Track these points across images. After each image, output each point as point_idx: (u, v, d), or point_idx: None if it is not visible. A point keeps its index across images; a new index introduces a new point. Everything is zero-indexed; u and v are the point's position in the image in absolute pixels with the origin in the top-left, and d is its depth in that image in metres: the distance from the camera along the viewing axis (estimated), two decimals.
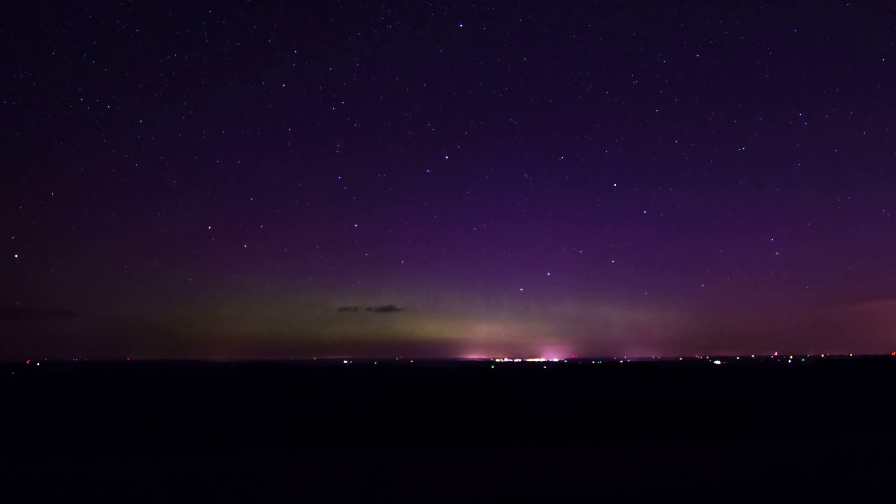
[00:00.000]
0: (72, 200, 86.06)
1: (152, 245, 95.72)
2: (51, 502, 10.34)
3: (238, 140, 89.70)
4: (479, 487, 10.99)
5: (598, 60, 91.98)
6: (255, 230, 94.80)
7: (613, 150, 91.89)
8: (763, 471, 12.21)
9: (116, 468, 13.29)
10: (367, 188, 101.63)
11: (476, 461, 13.98)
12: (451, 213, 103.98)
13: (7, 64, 69.59)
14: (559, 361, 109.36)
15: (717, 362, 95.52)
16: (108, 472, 12.77)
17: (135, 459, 14.41)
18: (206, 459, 14.57)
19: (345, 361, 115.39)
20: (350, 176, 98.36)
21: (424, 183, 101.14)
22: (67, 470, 13.08)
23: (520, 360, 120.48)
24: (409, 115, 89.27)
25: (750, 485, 10.88)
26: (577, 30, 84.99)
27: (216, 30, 75.19)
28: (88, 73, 73.17)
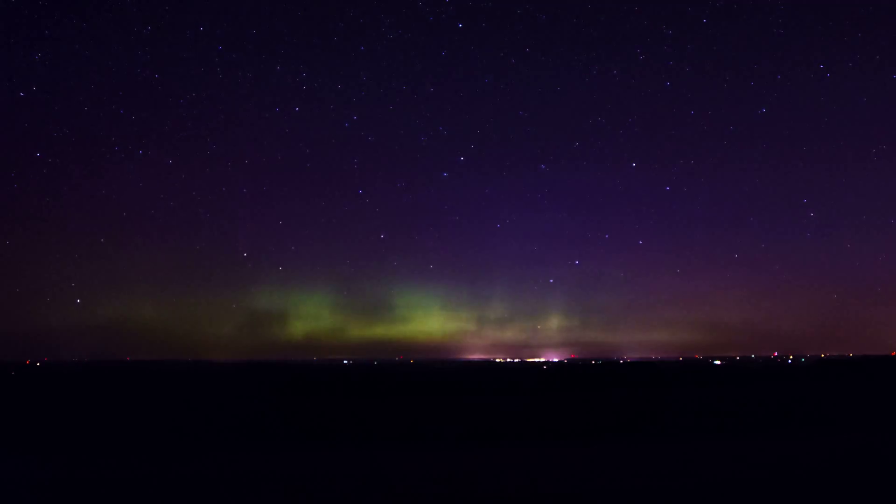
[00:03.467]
0: (119, 243, 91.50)
1: (192, 278, 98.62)
2: (51, 501, 10.34)
3: (261, 167, 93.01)
4: (480, 487, 10.98)
5: (601, 41, 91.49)
6: (288, 252, 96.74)
7: (628, 129, 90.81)
8: (763, 471, 12.21)
9: (116, 468, 13.29)
10: (388, 198, 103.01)
11: (476, 461, 13.98)
12: (473, 213, 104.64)
13: (46, 123, 73.42)
14: (559, 361, 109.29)
15: (717, 362, 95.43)
16: (109, 472, 12.77)
17: (134, 460, 14.41)
18: (205, 459, 14.56)
19: (345, 361, 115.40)
20: (370, 189, 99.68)
21: (443, 186, 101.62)
22: (68, 470, 13.08)
23: (519, 361, 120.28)
24: (419, 121, 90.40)
25: (750, 485, 10.87)
26: (576, 13, 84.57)
27: (228, 65, 78.36)
28: (118, 122, 77.09)
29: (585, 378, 44.71)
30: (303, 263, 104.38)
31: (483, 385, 40.07)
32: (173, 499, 10.39)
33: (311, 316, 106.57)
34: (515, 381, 45.50)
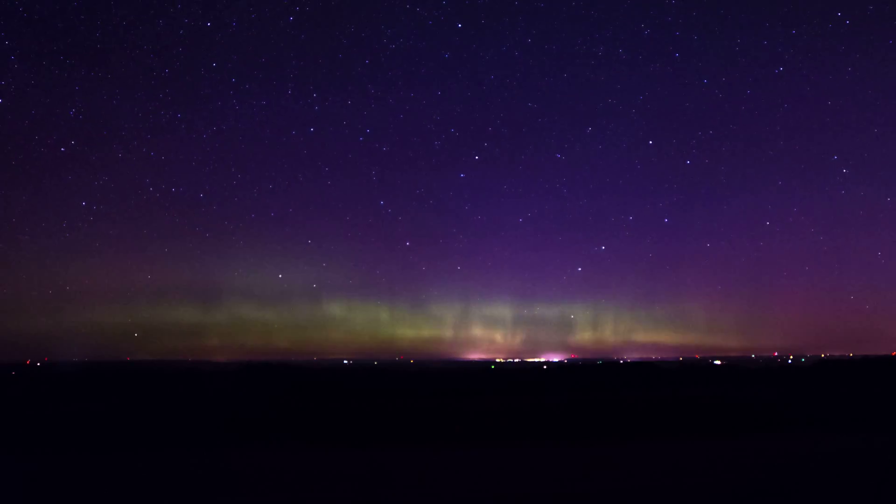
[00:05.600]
0: (166, 278, 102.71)
1: (231, 302, 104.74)
2: (51, 500, 10.36)
3: (285, 191, 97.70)
4: (479, 487, 10.99)
5: (603, 20, 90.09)
6: (320, 269, 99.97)
7: (640, 107, 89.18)
8: (763, 471, 12.22)
9: (118, 467, 13.30)
10: (409, 206, 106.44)
11: (476, 461, 13.99)
12: (494, 211, 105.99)
13: (88, 173, 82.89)
14: (559, 361, 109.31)
15: (717, 362, 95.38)
16: (110, 471, 12.78)
17: (135, 459, 14.42)
18: (206, 459, 14.58)
19: (345, 361, 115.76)
20: (391, 199, 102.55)
21: (461, 187, 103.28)
22: (72, 469, 13.10)
23: (518, 360, 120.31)
24: (431, 126, 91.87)
25: (750, 485, 10.88)
26: None
27: (243, 95, 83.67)
28: (150, 164, 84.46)
29: (585, 378, 44.69)
30: (335, 278, 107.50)
31: (484, 385, 40.08)
32: (174, 498, 10.41)
33: (349, 326, 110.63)
34: (516, 381, 45.52)
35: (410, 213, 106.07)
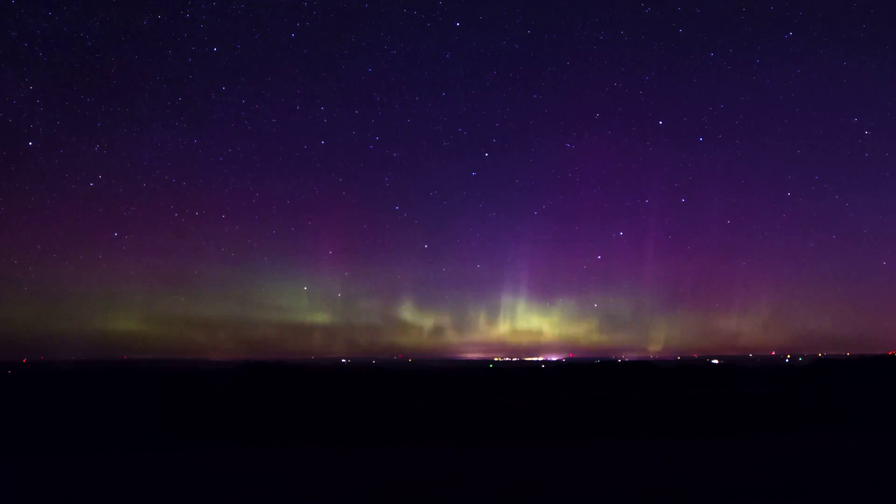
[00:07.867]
0: (197, 300, 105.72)
1: (258, 316, 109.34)
2: (55, 500, 10.33)
3: (302, 205, 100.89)
4: (479, 487, 10.98)
5: (602, 3, 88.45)
6: (345, 278, 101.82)
7: (647, 87, 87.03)
8: (762, 471, 12.23)
9: (118, 467, 13.27)
10: (424, 209, 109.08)
11: (476, 461, 13.98)
12: (508, 207, 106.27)
13: (116, 205, 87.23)
14: (557, 361, 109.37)
15: (715, 361, 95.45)
16: (110, 471, 12.76)
17: (134, 458, 14.39)
18: (206, 458, 14.56)
19: (343, 360, 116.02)
20: (406, 203, 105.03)
21: (474, 186, 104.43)
22: (71, 468, 13.07)
23: (517, 360, 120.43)
24: (439, 127, 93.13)
25: (749, 485, 10.88)
26: None
27: (253, 115, 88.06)
28: (172, 190, 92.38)
29: (584, 377, 44.67)
30: (359, 286, 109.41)
31: (483, 385, 40.05)
32: (174, 498, 10.38)
33: (372, 332, 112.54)
34: (516, 380, 45.48)
35: (425, 216, 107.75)
